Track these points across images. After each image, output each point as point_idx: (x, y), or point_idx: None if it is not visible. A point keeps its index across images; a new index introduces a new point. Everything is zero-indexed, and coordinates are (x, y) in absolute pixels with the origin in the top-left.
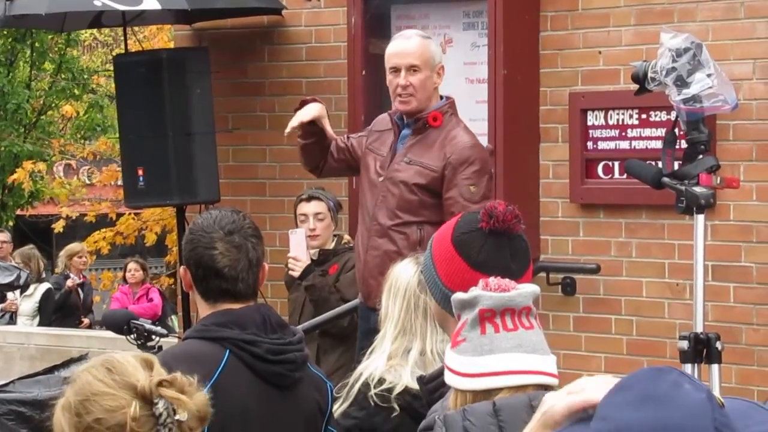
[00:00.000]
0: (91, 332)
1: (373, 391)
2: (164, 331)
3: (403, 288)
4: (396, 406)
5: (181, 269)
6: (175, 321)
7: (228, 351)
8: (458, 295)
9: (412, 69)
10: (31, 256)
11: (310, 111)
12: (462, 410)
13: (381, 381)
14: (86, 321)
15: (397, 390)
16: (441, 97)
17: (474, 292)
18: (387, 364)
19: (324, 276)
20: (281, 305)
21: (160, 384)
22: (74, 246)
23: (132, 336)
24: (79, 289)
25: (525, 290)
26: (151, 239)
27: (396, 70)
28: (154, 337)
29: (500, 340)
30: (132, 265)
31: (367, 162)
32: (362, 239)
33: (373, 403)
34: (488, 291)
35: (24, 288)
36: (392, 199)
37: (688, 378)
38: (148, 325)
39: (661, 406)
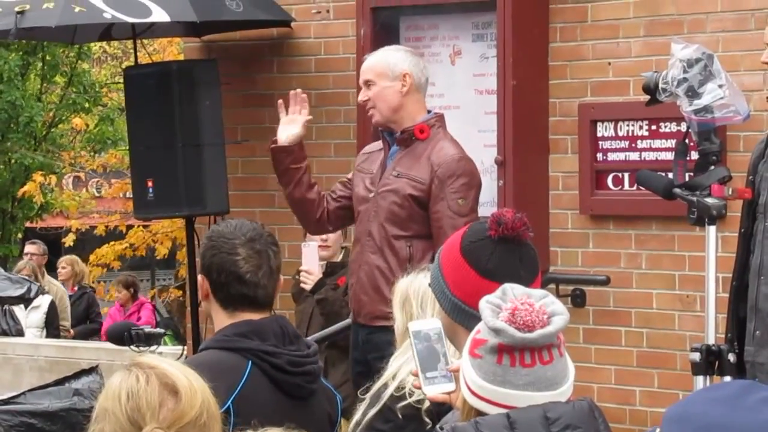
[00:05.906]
0: (100, 344)
1: (401, 403)
2: (161, 331)
3: (429, 296)
4: (427, 419)
5: (199, 278)
6: (166, 338)
7: (250, 362)
8: (485, 318)
9: (367, 84)
10: (34, 269)
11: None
12: (474, 422)
13: (410, 393)
14: (71, 332)
15: (428, 403)
16: (428, 111)
17: (497, 323)
18: None
19: (336, 290)
20: (288, 317)
21: None
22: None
23: (134, 344)
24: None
25: (550, 330)
26: (162, 253)
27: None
28: (153, 342)
29: (513, 375)
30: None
31: (356, 182)
32: (357, 257)
33: (400, 416)
34: (512, 327)
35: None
36: (383, 213)
37: None
38: (148, 329)
39: (738, 410)
